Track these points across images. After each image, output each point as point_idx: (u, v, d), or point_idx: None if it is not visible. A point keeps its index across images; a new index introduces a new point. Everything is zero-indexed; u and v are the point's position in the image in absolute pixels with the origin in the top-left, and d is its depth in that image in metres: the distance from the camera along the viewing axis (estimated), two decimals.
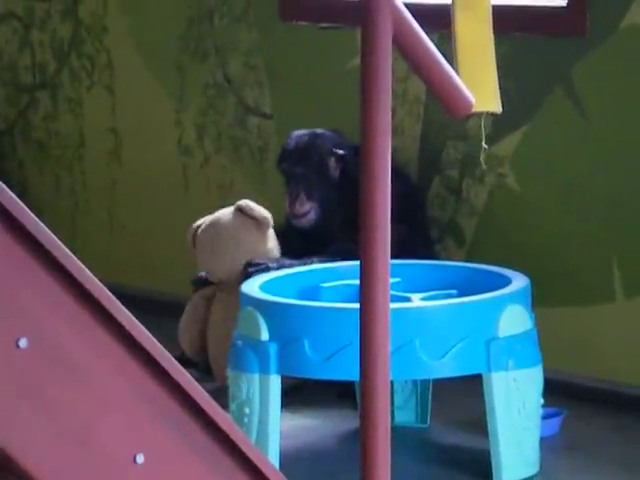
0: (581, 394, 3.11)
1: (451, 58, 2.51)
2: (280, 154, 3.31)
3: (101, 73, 3.95)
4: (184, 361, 3.20)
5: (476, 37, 2.67)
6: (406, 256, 2.98)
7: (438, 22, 2.78)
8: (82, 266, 1.41)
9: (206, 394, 1.49)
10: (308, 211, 3.22)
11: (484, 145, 2.81)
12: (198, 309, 3.27)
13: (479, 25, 2.69)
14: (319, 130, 3.29)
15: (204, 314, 3.25)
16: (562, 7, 3.14)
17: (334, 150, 3.22)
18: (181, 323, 3.30)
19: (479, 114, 2.72)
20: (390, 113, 1.63)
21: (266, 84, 3.63)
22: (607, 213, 3.11)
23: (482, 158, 2.88)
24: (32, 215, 1.37)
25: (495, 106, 2.70)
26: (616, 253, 3.10)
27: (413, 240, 3.15)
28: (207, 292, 3.27)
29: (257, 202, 3.67)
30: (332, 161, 3.23)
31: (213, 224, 3.21)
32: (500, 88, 3.18)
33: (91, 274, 1.42)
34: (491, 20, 2.70)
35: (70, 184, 4.07)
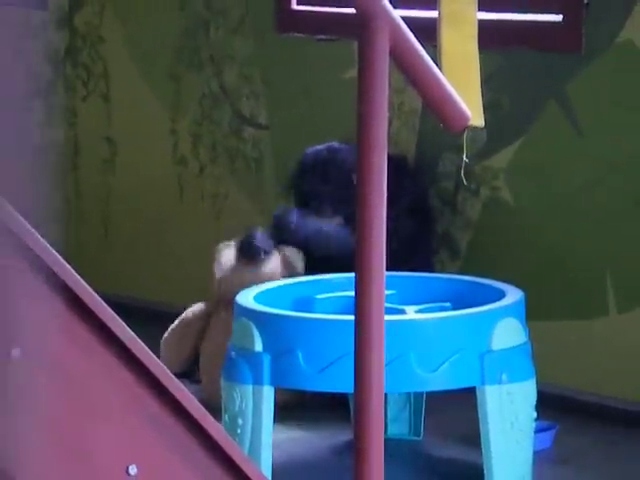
0: (574, 408, 3.11)
1: None
2: (298, 172, 3.25)
3: (97, 82, 3.95)
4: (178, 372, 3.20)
5: (461, 53, 2.69)
6: (409, 250, 2.99)
7: (435, 35, 2.79)
8: (75, 275, 1.40)
9: (199, 405, 1.48)
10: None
11: (465, 159, 2.82)
12: (192, 325, 3.26)
13: (465, 41, 2.70)
14: (335, 144, 3.26)
15: (198, 331, 3.24)
16: (558, 22, 3.15)
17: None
18: (169, 336, 3.28)
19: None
20: (387, 126, 1.64)
21: (262, 94, 3.63)
22: (601, 227, 3.12)
23: (463, 173, 2.89)
24: (29, 227, 1.37)
25: (478, 121, 2.71)
26: (610, 267, 3.11)
27: (418, 237, 3.16)
28: (201, 312, 3.26)
29: (251, 212, 3.67)
30: (355, 176, 3.21)
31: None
32: (494, 102, 3.19)
33: (84, 282, 1.42)
34: (476, 36, 2.72)
35: (64, 193, 4.06)
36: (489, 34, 2.91)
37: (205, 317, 3.27)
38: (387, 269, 1.69)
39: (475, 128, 2.77)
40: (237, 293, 2.74)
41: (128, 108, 3.89)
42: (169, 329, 3.31)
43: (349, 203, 3.17)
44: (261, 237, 3.17)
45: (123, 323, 1.44)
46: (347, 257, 3.07)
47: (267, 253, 3.15)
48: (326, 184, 3.19)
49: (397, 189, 2.84)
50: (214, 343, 3.17)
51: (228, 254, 3.20)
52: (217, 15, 3.70)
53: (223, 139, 3.72)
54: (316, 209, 3.19)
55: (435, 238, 3.29)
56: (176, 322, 3.31)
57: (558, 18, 3.15)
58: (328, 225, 3.15)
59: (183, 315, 3.31)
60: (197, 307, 3.30)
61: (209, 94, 3.73)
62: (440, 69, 2.62)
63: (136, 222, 3.91)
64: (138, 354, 1.43)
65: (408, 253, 3.06)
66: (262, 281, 2.96)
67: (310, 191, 3.22)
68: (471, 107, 2.66)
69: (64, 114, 4.04)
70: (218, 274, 3.21)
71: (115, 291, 3.74)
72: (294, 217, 3.16)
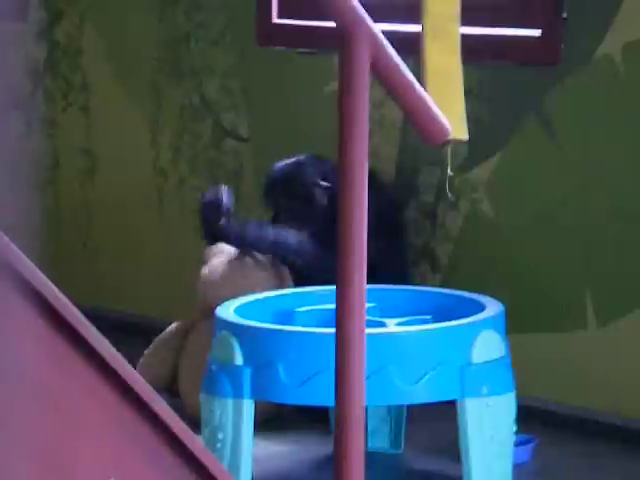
0: (553, 421, 3.11)
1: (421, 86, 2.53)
2: (264, 187, 3.27)
3: (76, 94, 3.94)
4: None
5: (445, 66, 2.70)
6: (380, 272, 2.98)
7: (415, 48, 2.80)
8: (51, 286, 1.39)
9: (179, 420, 1.48)
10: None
11: (449, 173, 2.83)
12: (172, 340, 3.23)
13: (448, 55, 2.71)
14: (302, 157, 3.27)
15: (176, 349, 3.22)
16: (537, 37, 3.17)
17: (319, 182, 3.21)
18: (150, 354, 3.24)
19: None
20: (367, 140, 1.64)
21: (242, 107, 3.64)
22: (580, 240, 3.13)
23: (447, 186, 2.90)
24: (3, 235, 1.36)
25: (462, 134, 2.72)
26: (589, 280, 3.12)
27: (389, 252, 3.16)
28: (183, 325, 3.24)
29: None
30: (318, 192, 3.21)
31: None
32: (474, 115, 3.20)
33: (63, 295, 1.41)
34: (460, 50, 2.73)
35: (43, 205, 4.05)
36: (469, 48, 2.92)
37: (183, 334, 3.24)
38: None
39: (459, 142, 2.78)
40: (225, 300, 2.74)
41: (108, 120, 3.89)
42: (145, 352, 3.25)
43: (311, 218, 3.18)
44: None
45: (102, 336, 1.43)
46: (314, 269, 3.08)
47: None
48: (291, 199, 3.21)
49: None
50: (194, 355, 3.15)
51: (218, 260, 3.18)
52: (198, 27, 3.70)
53: (203, 151, 3.71)
54: (283, 224, 3.21)
55: (412, 252, 3.30)
56: (152, 344, 3.26)
57: (537, 33, 3.16)
58: (289, 235, 3.15)
59: (159, 336, 3.27)
60: (173, 326, 3.27)
61: (189, 106, 3.73)
62: (423, 83, 2.63)
63: (116, 234, 3.90)
64: (117, 368, 1.42)
65: (379, 269, 3.06)
66: (253, 289, 2.95)
67: (273, 206, 3.24)
68: (455, 120, 2.67)
69: (43, 126, 4.03)
70: (206, 278, 3.18)
71: (94, 304, 3.73)
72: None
